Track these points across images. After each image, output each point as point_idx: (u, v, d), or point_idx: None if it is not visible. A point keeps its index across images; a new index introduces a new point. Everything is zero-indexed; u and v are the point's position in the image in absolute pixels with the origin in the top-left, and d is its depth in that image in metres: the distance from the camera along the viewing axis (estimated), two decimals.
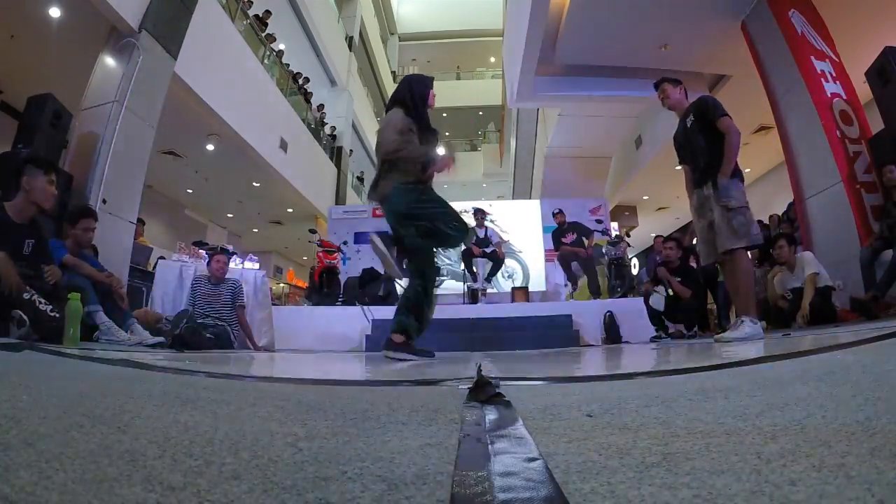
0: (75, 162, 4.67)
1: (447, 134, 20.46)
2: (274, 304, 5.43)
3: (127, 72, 4.86)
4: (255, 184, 9.89)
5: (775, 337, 2.81)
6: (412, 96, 2.57)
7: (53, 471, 0.36)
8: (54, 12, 5.23)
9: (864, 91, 5.08)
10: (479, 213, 6.72)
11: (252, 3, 8.78)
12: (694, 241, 6.88)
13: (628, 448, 0.47)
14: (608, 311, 4.99)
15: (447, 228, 2.50)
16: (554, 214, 6.87)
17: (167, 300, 4.37)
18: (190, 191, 10.30)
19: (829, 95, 4.92)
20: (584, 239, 6.66)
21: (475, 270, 6.69)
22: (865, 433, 0.44)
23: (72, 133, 4.79)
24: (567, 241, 6.60)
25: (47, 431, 0.46)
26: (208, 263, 4.04)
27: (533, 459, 0.45)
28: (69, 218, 3.28)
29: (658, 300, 5.07)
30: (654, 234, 8.65)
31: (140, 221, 5.79)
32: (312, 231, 7.50)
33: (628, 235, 8.09)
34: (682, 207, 12.73)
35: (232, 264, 4.69)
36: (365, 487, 0.37)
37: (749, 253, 3.04)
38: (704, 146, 2.89)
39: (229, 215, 11.97)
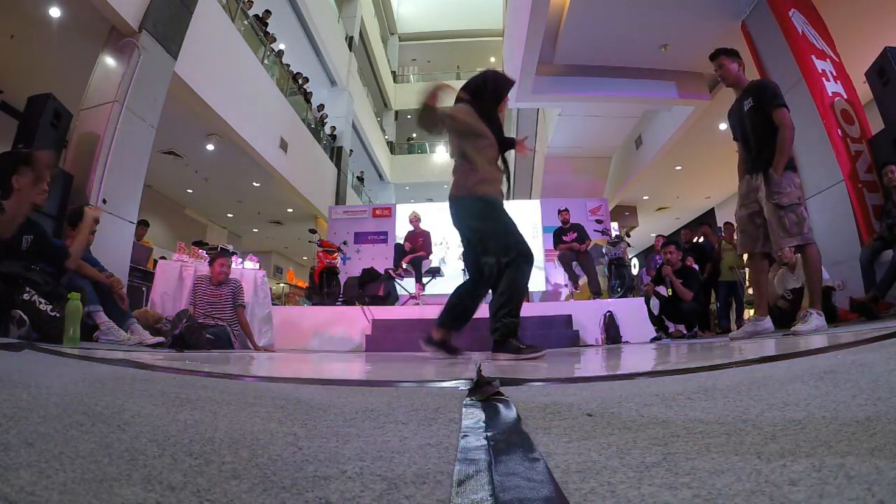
0: (75, 162, 4.67)
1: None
2: (274, 304, 5.43)
3: (127, 72, 4.86)
4: (255, 184, 9.89)
5: (775, 335, 2.81)
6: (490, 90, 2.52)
7: (53, 471, 0.36)
8: (54, 12, 5.23)
9: (864, 91, 5.08)
10: None
11: (252, 3, 8.78)
12: (696, 240, 6.90)
13: (628, 448, 0.47)
14: (608, 311, 4.99)
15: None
16: (560, 211, 6.90)
17: (167, 300, 4.36)
18: (190, 191, 10.31)
19: (831, 95, 4.92)
20: (585, 240, 6.68)
21: None
22: (865, 433, 0.44)
23: (72, 133, 4.79)
24: (568, 238, 6.63)
25: (47, 431, 0.46)
26: (211, 266, 4.04)
27: (533, 459, 0.45)
28: (69, 220, 3.29)
29: (656, 304, 5.08)
30: (653, 234, 8.67)
31: (144, 223, 5.79)
32: (312, 231, 7.51)
33: (628, 235, 8.09)
34: (682, 207, 12.75)
35: (232, 264, 4.69)
36: (365, 486, 0.37)
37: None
38: (759, 134, 2.75)
39: (229, 215, 11.97)
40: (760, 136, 2.76)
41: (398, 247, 7.42)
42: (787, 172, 2.66)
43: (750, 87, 2.88)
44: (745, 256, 3.43)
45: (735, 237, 5.71)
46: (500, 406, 0.74)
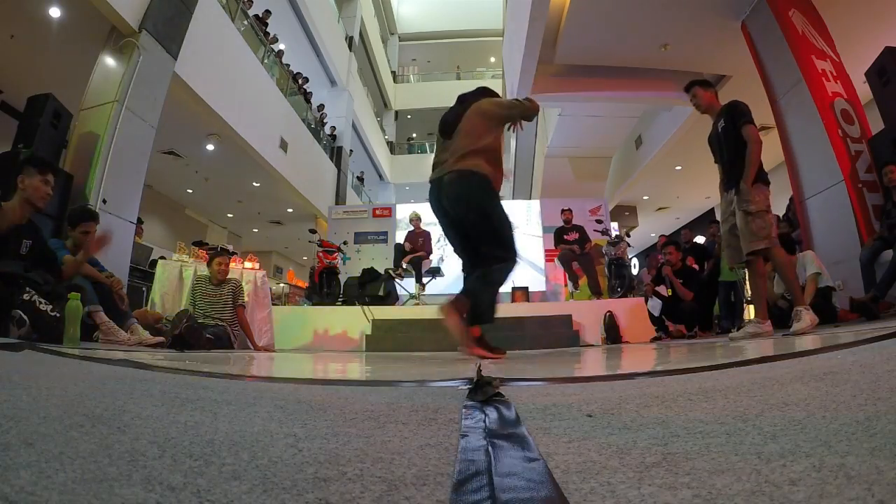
0: (75, 162, 4.67)
1: None
2: (274, 304, 5.43)
3: (127, 72, 4.86)
4: (255, 184, 9.89)
5: (775, 337, 2.81)
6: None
7: (53, 471, 0.36)
8: (54, 12, 5.23)
9: (864, 91, 5.08)
10: None
11: (252, 2, 8.78)
12: (704, 240, 6.90)
13: (628, 448, 0.47)
14: (608, 311, 4.99)
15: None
16: (563, 211, 6.93)
17: (167, 300, 4.36)
18: (190, 191, 10.30)
19: (831, 95, 4.92)
20: (585, 242, 6.70)
21: None
22: (865, 433, 0.44)
23: (72, 133, 4.79)
24: (569, 238, 6.64)
25: (47, 431, 0.46)
26: (209, 265, 4.04)
27: (533, 459, 0.45)
28: (69, 220, 3.28)
29: (655, 304, 5.07)
30: (653, 234, 8.67)
31: (139, 221, 5.78)
32: (312, 231, 7.50)
33: (628, 235, 8.08)
34: (682, 207, 12.75)
35: (232, 264, 4.69)
36: (365, 488, 0.37)
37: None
38: (732, 151, 2.95)
39: (229, 215, 11.97)
40: (732, 152, 2.95)
41: (398, 247, 7.42)
42: (757, 185, 2.85)
43: (722, 109, 3.08)
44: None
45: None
46: (500, 406, 0.73)
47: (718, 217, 3.21)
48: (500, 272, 2.36)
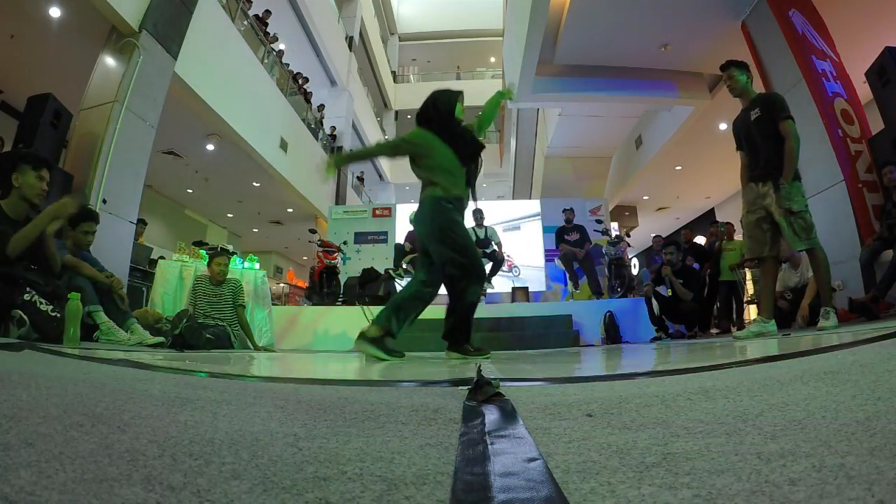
0: (75, 162, 4.67)
1: None
2: (274, 304, 5.43)
3: (127, 72, 4.85)
4: (255, 184, 9.89)
5: (779, 336, 2.81)
6: (436, 110, 2.65)
7: (53, 471, 0.36)
8: (54, 12, 5.24)
9: (864, 91, 5.08)
10: (478, 214, 6.72)
11: (252, 2, 8.78)
12: (696, 240, 6.89)
13: (628, 448, 0.47)
14: (608, 311, 4.99)
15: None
16: (565, 210, 6.95)
17: (167, 300, 4.37)
18: (190, 191, 10.31)
19: (831, 95, 4.92)
20: (585, 242, 6.71)
21: None
22: (865, 433, 0.44)
23: (72, 133, 4.79)
24: (570, 238, 6.65)
25: (47, 431, 0.46)
26: (209, 265, 4.04)
27: (533, 459, 0.44)
28: (69, 220, 3.27)
29: (655, 305, 5.07)
30: (653, 234, 8.67)
31: (142, 222, 5.79)
32: (312, 231, 7.51)
33: (628, 235, 8.09)
34: (682, 207, 12.75)
35: (232, 264, 4.69)
36: (365, 487, 0.37)
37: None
38: (767, 144, 2.89)
39: (229, 215, 11.97)
40: (767, 145, 2.88)
41: (398, 247, 7.42)
42: (794, 182, 2.82)
43: (758, 98, 3.01)
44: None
45: (734, 237, 5.71)
46: (500, 406, 0.73)
47: (742, 208, 3.12)
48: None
